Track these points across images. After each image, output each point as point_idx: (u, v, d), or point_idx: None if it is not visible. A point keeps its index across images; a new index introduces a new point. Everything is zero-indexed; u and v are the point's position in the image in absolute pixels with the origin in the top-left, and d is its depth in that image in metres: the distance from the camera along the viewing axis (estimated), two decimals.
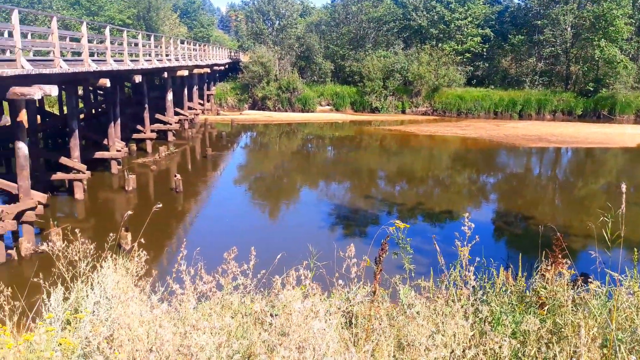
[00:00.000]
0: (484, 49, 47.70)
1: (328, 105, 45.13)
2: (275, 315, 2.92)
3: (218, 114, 41.32)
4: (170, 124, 28.36)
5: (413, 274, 4.08)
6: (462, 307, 3.50)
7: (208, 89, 41.88)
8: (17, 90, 11.85)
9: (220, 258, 3.57)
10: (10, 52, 13.87)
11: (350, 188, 21.48)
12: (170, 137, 28.13)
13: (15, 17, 12.11)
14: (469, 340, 3.16)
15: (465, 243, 3.83)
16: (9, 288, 3.48)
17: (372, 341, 2.88)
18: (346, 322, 3.34)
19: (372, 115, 43.07)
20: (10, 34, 14.65)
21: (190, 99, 35.20)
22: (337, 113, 44.04)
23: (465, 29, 47.24)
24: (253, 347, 2.60)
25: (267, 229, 15.36)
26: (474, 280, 3.82)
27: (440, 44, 46.85)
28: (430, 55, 44.15)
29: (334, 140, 34.51)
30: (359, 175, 23.64)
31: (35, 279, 3.90)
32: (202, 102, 39.28)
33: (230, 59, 51.01)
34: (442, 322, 3.26)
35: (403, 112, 44.39)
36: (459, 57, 46.35)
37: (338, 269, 3.61)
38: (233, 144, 30.99)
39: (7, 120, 12.93)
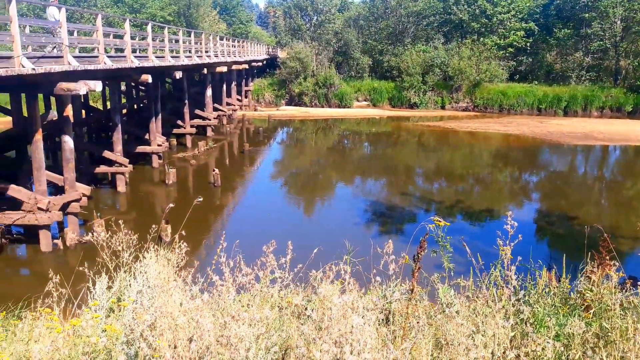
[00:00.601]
0: (528, 43, 46.26)
1: (365, 100, 44.86)
2: (312, 309, 2.90)
3: (255, 110, 41.72)
4: (209, 120, 28.81)
5: (452, 273, 4.03)
6: (502, 307, 3.43)
7: (246, 85, 42.32)
8: (63, 85, 12.24)
9: (257, 251, 3.58)
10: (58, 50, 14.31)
11: (386, 185, 21.29)
12: (209, 133, 28.58)
13: (62, 15, 12.50)
14: (510, 342, 3.08)
15: (507, 242, 3.77)
16: (57, 276, 3.59)
17: (411, 339, 2.82)
18: (383, 319, 3.29)
19: (411, 111, 42.56)
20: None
21: (229, 95, 35.65)
22: (375, 109, 43.73)
23: (508, 23, 45.99)
24: (290, 340, 2.59)
25: (303, 224, 15.40)
26: (516, 280, 3.73)
27: (481, 39, 45.79)
28: (471, 50, 43.22)
29: (371, 136, 34.29)
30: (395, 172, 23.41)
31: (80, 268, 4.03)
32: (240, 98, 39.74)
33: (268, 55, 51.37)
34: (482, 322, 3.20)
35: (442, 107, 43.68)
36: (501, 52, 45.21)
37: (375, 266, 3.57)
38: (270, 139, 31.22)
39: (54, 114, 13.39)
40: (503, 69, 44.35)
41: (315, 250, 3.74)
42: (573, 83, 43.14)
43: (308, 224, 15.46)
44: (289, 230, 13.77)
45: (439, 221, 3.93)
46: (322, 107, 42.92)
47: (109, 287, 3.79)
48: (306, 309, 2.95)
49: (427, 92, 43.61)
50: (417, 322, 3.03)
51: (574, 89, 41.54)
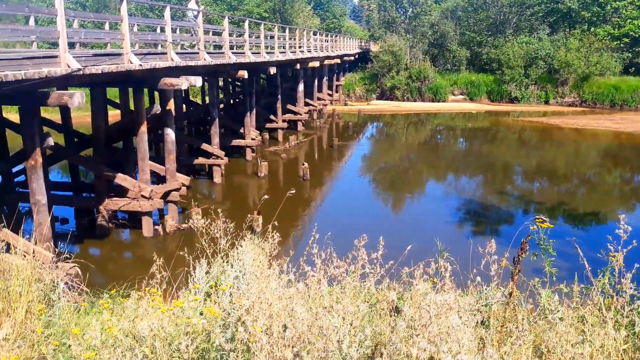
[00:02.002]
0: None
1: (461, 94, 43.30)
2: (406, 306, 2.79)
3: (345, 105, 41.79)
4: (301, 114, 29.30)
5: (554, 278, 3.77)
6: (613, 317, 3.10)
7: (337, 80, 42.51)
8: (167, 81, 12.96)
9: (345, 245, 3.54)
10: (162, 47, 15.23)
11: (481, 183, 20.37)
12: (300, 127, 29.06)
13: (167, 13, 13.23)
14: (620, 354, 2.83)
15: (619, 248, 3.42)
16: (161, 259, 3.77)
17: (511, 344, 2.62)
18: (481, 322, 3.09)
19: (511, 105, 40.40)
20: (162, 29, 16.13)
21: (320, 90, 36.02)
22: (471, 103, 42.05)
23: (624, 11, 42.04)
24: (382, 336, 2.53)
25: (392, 220, 15.14)
26: (631, 289, 3.41)
27: (592, 28, 42.33)
28: (580, 41, 40.10)
29: (466, 132, 33.00)
30: (492, 170, 22.33)
31: (180, 253, 4.25)
32: (330, 92, 40.01)
33: (360, 49, 51.24)
34: (590, 332, 2.95)
35: (546, 102, 40.99)
36: (615, 43, 41.46)
37: (470, 266, 3.39)
38: (359, 134, 31.12)
39: (158, 108, 14.25)
40: (616, 61, 40.66)
41: (409, 247, 3.61)
42: None
43: (397, 221, 15.18)
44: (378, 226, 13.59)
45: (543, 222, 3.64)
46: (415, 101, 42.02)
47: (207, 272, 3.94)
48: (397, 306, 2.84)
49: (529, 85, 41.13)
50: (517, 327, 2.81)
51: None
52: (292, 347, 2.28)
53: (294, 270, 3.60)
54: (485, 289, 3.45)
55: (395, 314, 2.92)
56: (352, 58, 45.92)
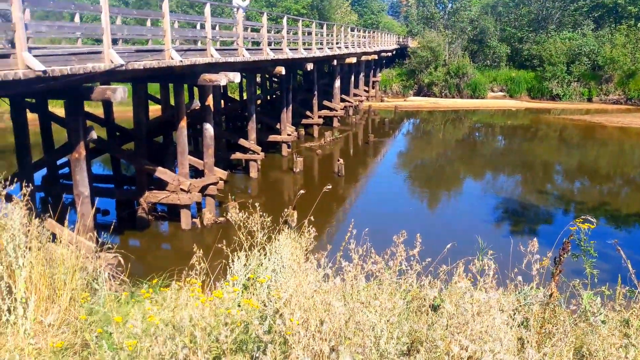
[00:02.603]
0: None
1: (501, 91, 42.35)
2: (439, 304, 2.77)
3: (382, 101, 41.49)
4: (336, 111, 29.25)
5: (596, 280, 3.69)
6: None
7: (374, 76, 42.23)
8: (206, 76, 13.16)
9: (381, 241, 3.54)
10: (201, 43, 15.48)
11: (520, 181, 19.90)
12: (335, 123, 29.03)
13: (207, 10, 13.43)
14: None
15: None
16: (200, 250, 3.86)
17: (552, 345, 2.56)
18: (520, 322, 3.04)
19: (552, 103, 39.26)
20: (202, 26, 16.37)
21: (356, 86, 35.87)
22: (511, 100, 41.06)
23: None
24: (419, 333, 2.51)
25: (428, 218, 14.98)
26: None
27: (639, 24, 40.63)
28: (626, 37, 38.57)
29: (506, 129, 32.27)
30: (531, 168, 21.77)
31: (219, 245, 4.33)
32: (367, 88, 39.78)
33: (398, 44, 50.76)
34: (635, 335, 2.86)
35: (589, 100, 39.64)
36: None
37: (511, 265, 3.34)
38: (395, 130, 30.85)
39: (197, 104, 14.50)
40: None
41: (448, 245, 3.59)
42: None
43: (433, 218, 15.00)
44: (413, 223, 13.47)
45: (584, 222, 3.54)
46: (453, 97, 41.35)
47: (245, 265, 4.00)
48: (435, 304, 2.82)
49: (571, 82, 39.87)
50: (558, 328, 2.75)
51: None
52: (329, 341, 2.29)
53: (329, 265, 3.63)
54: (525, 289, 3.38)
55: (433, 312, 2.89)
56: (389, 54, 45.53)
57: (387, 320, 2.35)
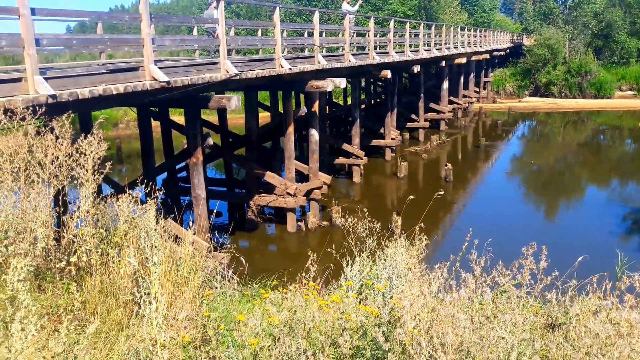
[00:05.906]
0: None
1: (630, 90, 38.49)
2: (565, 323, 2.50)
3: (494, 102, 39.58)
4: (444, 113, 28.41)
5: None
6: None
7: (485, 76, 40.45)
8: (313, 83, 13.42)
9: (499, 253, 3.33)
10: (308, 50, 15.81)
11: None
12: (443, 126, 28.17)
13: (315, 17, 13.68)
14: None
15: None
16: (314, 254, 3.87)
17: None
18: None
19: None
20: (309, 34, 16.74)
21: (466, 87, 34.60)
22: None
23: None
24: (547, 351, 2.30)
25: (546, 228, 13.92)
26: None
27: None
28: None
29: (636, 132, 29.19)
30: None
31: (327, 249, 4.35)
32: (477, 89, 38.21)
33: (512, 43, 48.23)
34: None
35: None
36: None
37: None
38: (508, 133, 29.22)
39: (304, 110, 14.83)
40: None
41: (580, 258, 3.28)
42: None
43: (551, 229, 13.90)
44: (532, 234, 12.59)
45: None
46: (574, 97, 38.29)
47: (359, 271, 3.99)
48: (559, 322, 2.56)
49: None
50: None
51: None
52: (452, 354, 2.16)
53: (451, 277, 3.49)
54: None
55: (560, 329, 2.63)
56: (502, 53, 43.36)
57: (519, 337, 2.17)
